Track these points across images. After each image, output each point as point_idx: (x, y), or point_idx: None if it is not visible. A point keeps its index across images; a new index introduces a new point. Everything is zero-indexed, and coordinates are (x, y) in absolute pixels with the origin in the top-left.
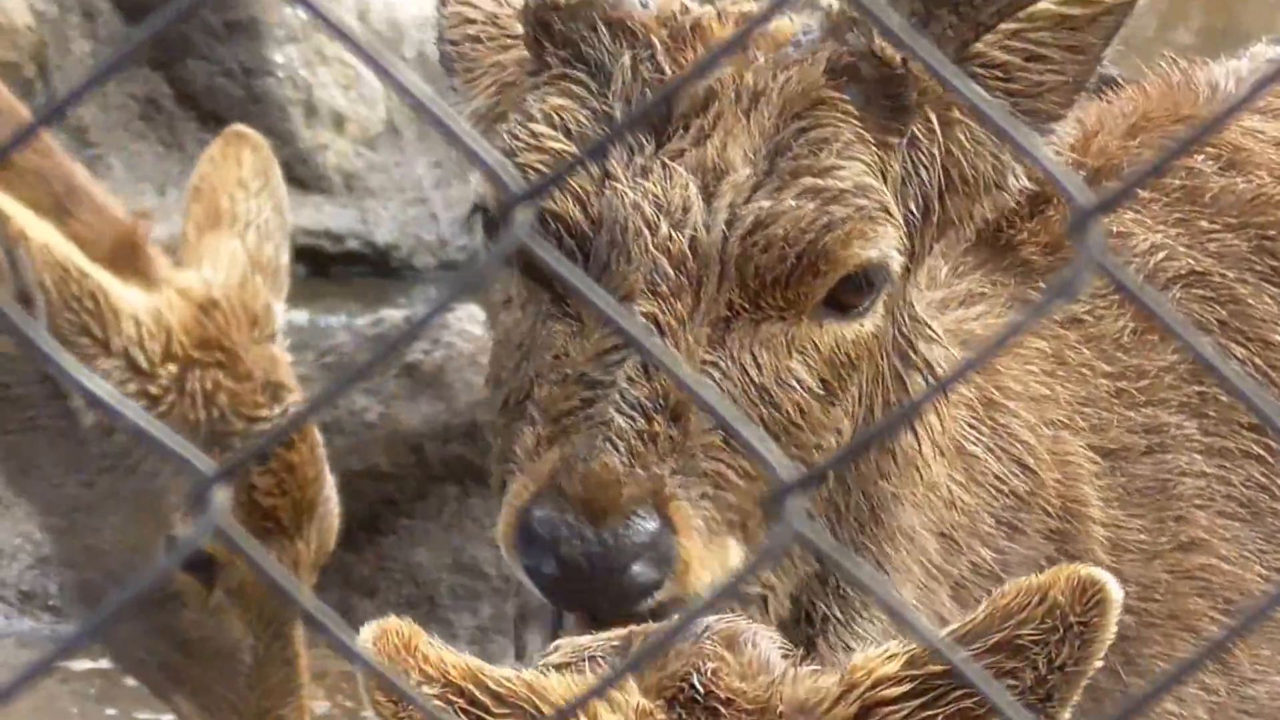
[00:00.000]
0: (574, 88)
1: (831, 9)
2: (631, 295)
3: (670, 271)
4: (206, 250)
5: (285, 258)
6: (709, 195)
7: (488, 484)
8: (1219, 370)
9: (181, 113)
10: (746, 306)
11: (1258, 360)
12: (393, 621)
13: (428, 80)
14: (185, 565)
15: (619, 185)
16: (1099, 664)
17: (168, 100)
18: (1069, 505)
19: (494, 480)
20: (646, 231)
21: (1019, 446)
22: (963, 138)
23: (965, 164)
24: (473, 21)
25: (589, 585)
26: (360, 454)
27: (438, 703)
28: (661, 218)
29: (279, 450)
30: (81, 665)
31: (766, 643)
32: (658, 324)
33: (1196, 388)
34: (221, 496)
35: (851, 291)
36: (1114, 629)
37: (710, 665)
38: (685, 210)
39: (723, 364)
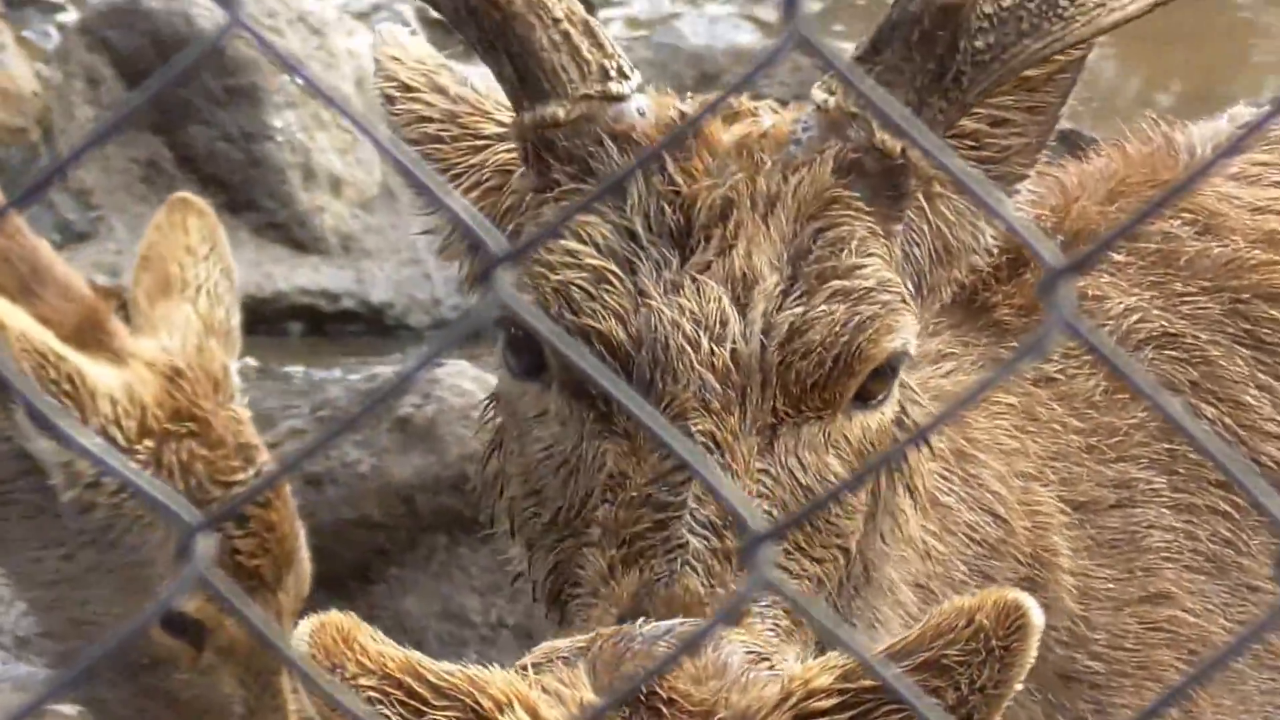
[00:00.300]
0: (591, 203)
1: (828, 105)
2: (685, 413)
3: (718, 386)
4: (160, 318)
5: (236, 319)
6: (742, 307)
7: (476, 534)
8: (1186, 430)
9: (183, 176)
10: (790, 412)
11: (1228, 420)
12: (333, 615)
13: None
14: (175, 631)
15: (653, 302)
16: (1019, 687)
17: (169, 164)
18: (1039, 553)
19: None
20: (689, 349)
21: (990, 496)
22: (946, 211)
23: (949, 235)
24: (430, 120)
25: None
26: (352, 504)
27: (373, 694)
28: (701, 333)
29: (258, 511)
30: (72, 710)
31: (730, 647)
32: (715, 440)
33: (1166, 445)
34: (205, 545)
35: (876, 382)
36: (1034, 654)
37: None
38: (723, 324)
39: (773, 470)
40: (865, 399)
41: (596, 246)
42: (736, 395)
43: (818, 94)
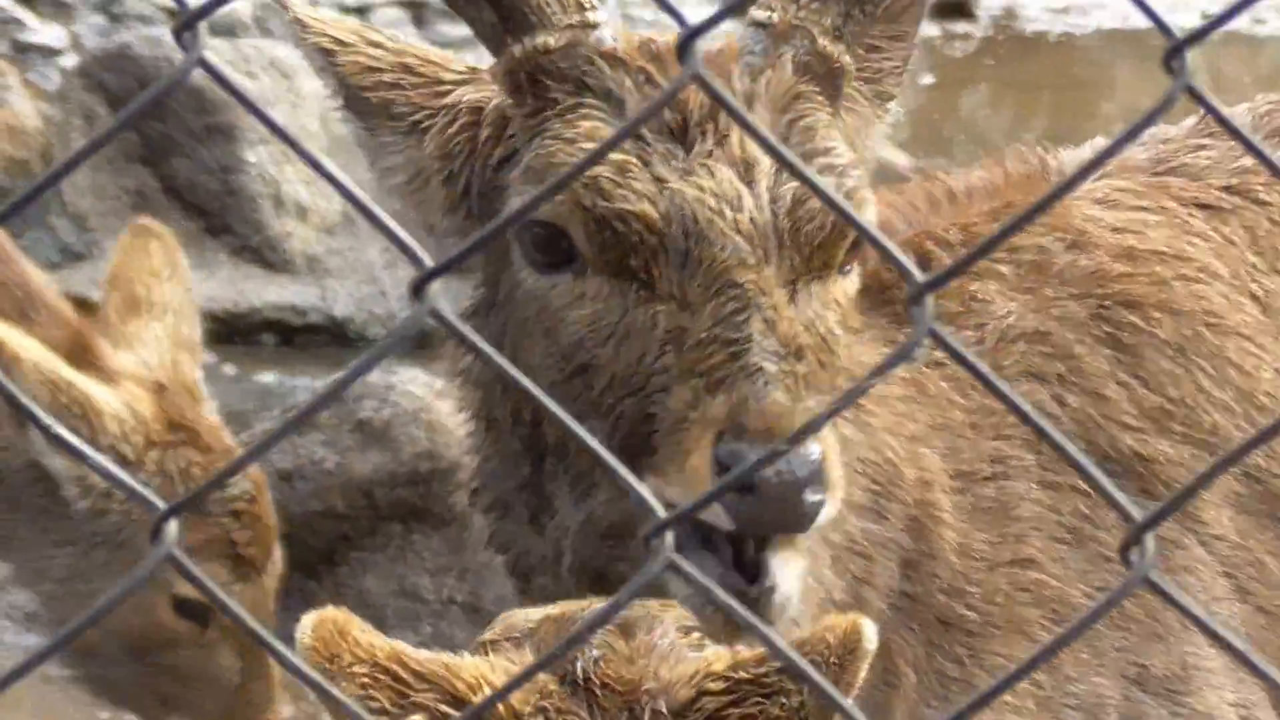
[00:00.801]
0: (593, 112)
1: (772, 20)
2: (728, 270)
3: (748, 247)
4: (133, 335)
5: (198, 333)
6: (749, 183)
7: (428, 523)
8: (1033, 422)
9: (167, 204)
10: (802, 270)
11: (1090, 411)
12: (329, 611)
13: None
14: (184, 614)
15: (673, 184)
16: (848, 702)
17: (155, 193)
18: (923, 503)
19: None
20: (716, 218)
21: (880, 441)
22: (852, 119)
23: (856, 139)
24: (380, 70)
25: (780, 505)
26: (319, 497)
27: (365, 680)
28: (724, 205)
29: (248, 506)
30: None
31: (663, 628)
32: (760, 289)
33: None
34: (173, 528)
35: (850, 252)
36: (862, 675)
37: (595, 652)
38: (739, 197)
39: (800, 319)
40: (841, 267)
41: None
42: (765, 255)
43: (759, 14)
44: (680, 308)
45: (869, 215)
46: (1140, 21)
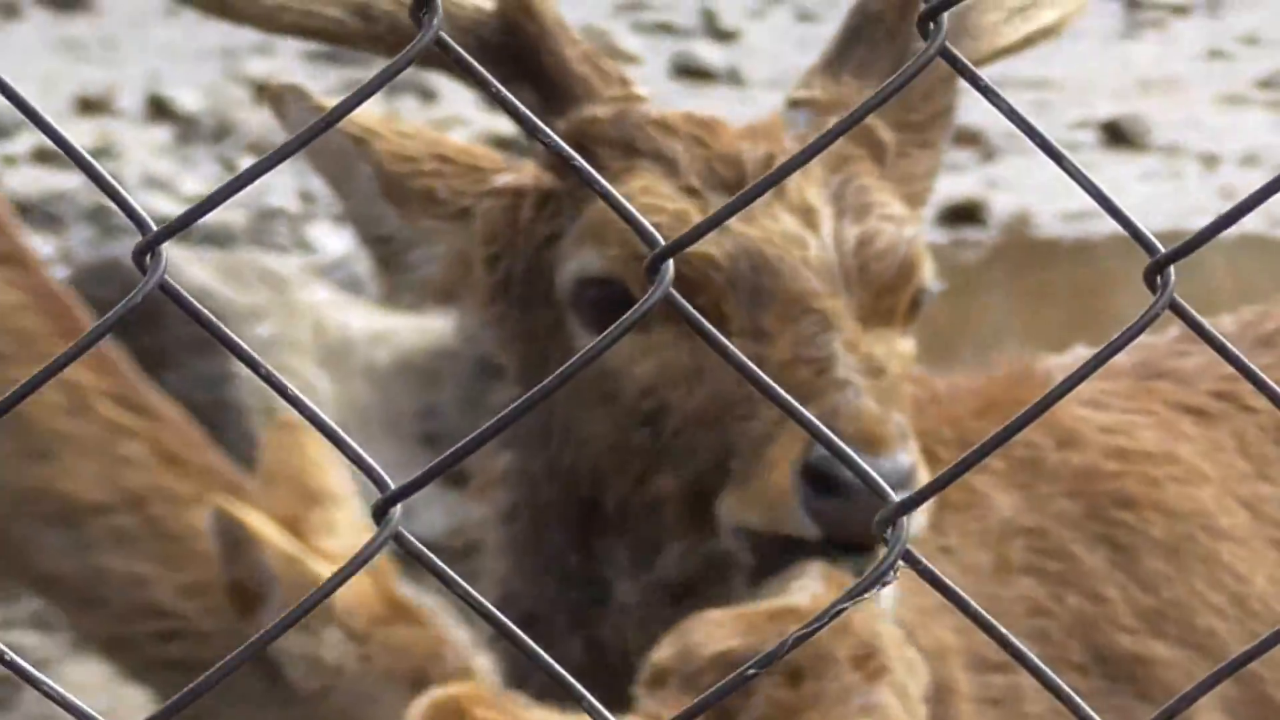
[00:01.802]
0: (644, 172)
1: (816, 98)
2: (804, 298)
3: (820, 280)
4: (320, 524)
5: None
6: (812, 227)
7: None
8: (986, 625)
9: None
10: (869, 313)
11: (1088, 610)
12: (449, 691)
13: (375, 387)
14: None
15: (735, 228)
16: None
17: None
18: (940, 675)
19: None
20: (784, 255)
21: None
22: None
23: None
24: (415, 157)
25: (872, 507)
26: None
27: None
28: (790, 244)
29: None
30: None
31: (835, 668)
32: (838, 314)
33: (1036, 622)
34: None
35: (910, 309)
36: None
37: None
38: (803, 239)
39: (871, 356)
40: (904, 322)
41: (667, 196)
42: (834, 289)
43: (799, 93)
44: (755, 339)
45: (928, 271)
46: (1153, 224)
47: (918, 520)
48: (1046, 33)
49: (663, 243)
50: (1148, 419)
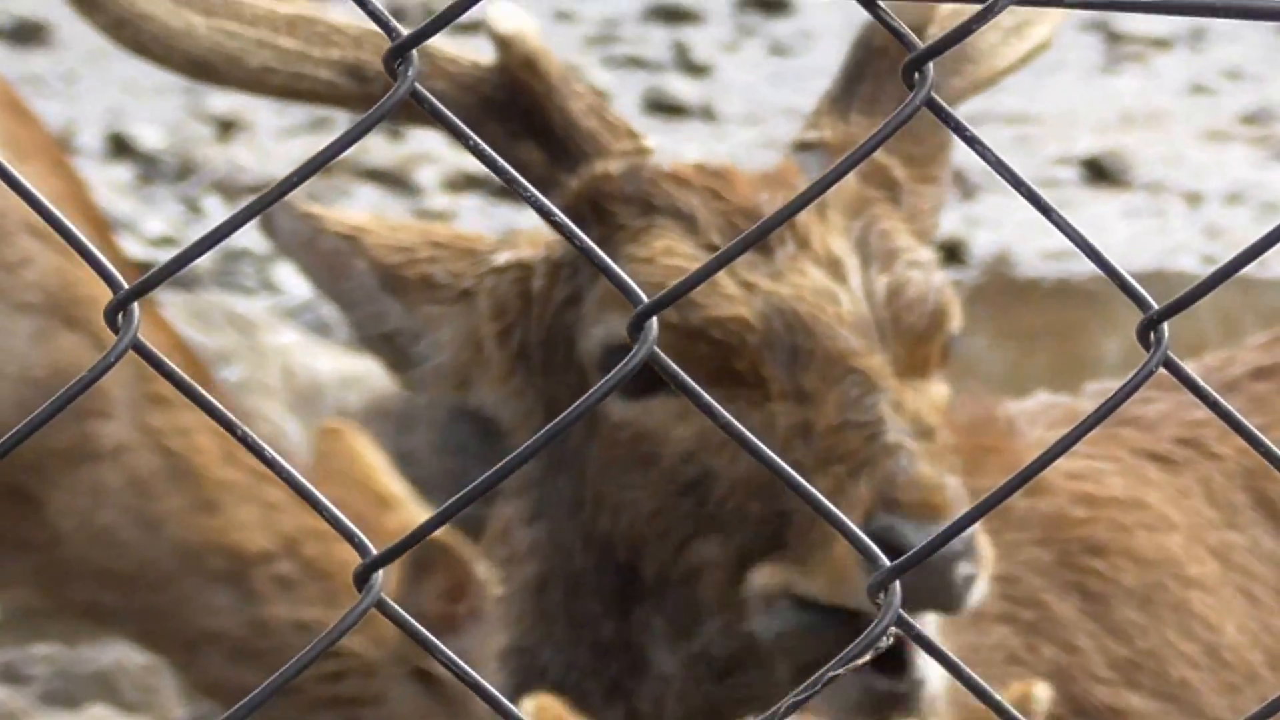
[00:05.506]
0: (665, 232)
1: (826, 139)
2: (844, 357)
3: (856, 336)
4: (400, 530)
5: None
6: (840, 280)
7: None
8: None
9: None
10: (906, 365)
11: (1062, 661)
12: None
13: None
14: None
15: (764, 286)
16: None
17: None
18: None
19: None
20: (817, 312)
21: None
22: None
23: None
24: (409, 247)
25: (935, 579)
26: None
27: None
28: (822, 299)
29: None
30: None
31: None
32: (881, 373)
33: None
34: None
35: (941, 357)
36: None
37: None
38: (834, 293)
39: (913, 409)
40: (937, 370)
41: (689, 256)
42: (871, 345)
43: (808, 135)
44: (799, 402)
45: (957, 317)
46: (1137, 263)
47: (979, 587)
48: (1040, 49)
49: (645, 300)
50: (1114, 465)
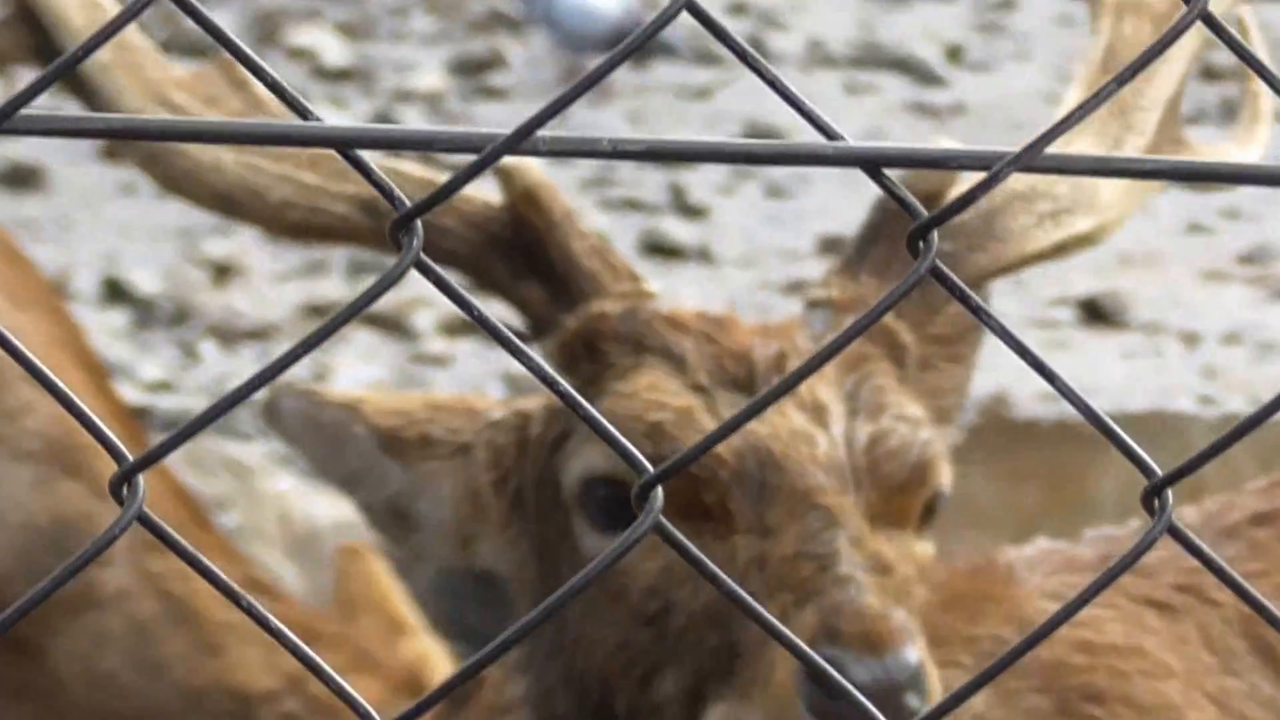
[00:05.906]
0: (651, 369)
1: (832, 298)
2: (810, 494)
3: (826, 475)
4: (415, 656)
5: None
6: (822, 425)
7: None
8: None
9: None
10: (880, 514)
11: None
12: None
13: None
14: None
15: (746, 425)
16: None
17: None
18: None
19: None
20: (791, 452)
21: None
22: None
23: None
24: (406, 410)
25: (879, 712)
26: None
27: None
28: (798, 441)
29: None
30: None
31: None
32: (845, 511)
33: None
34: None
35: (925, 514)
36: None
37: None
38: (812, 436)
39: (881, 555)
40: (919, 527)
41: (673, 393)
42: (842, 487)
43: (818, 293)
44: (760, 536)
45: (945, 476)
46: (1134, 404)
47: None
48: (1081, 241)
49: (650, 470)
50: (1112, 612)
